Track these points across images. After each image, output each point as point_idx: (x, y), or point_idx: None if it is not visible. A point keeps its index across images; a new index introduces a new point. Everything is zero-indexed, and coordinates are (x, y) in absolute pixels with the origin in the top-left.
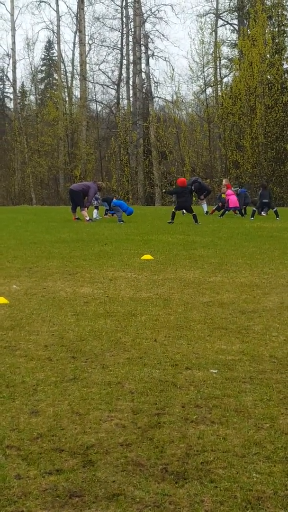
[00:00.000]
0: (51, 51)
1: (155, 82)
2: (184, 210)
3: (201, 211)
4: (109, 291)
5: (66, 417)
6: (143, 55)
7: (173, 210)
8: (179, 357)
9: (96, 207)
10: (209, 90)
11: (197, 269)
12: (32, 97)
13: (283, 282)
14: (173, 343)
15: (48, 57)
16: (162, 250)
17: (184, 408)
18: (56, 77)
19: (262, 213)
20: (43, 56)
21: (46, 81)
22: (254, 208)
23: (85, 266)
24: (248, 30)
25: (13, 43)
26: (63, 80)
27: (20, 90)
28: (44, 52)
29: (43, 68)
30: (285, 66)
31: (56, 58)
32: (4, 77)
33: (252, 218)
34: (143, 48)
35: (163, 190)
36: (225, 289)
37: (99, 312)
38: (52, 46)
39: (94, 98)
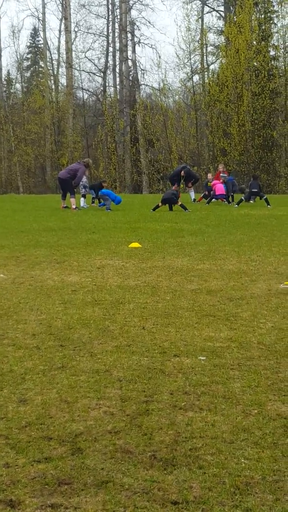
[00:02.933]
0: (37, 39)
1: (141, 69)
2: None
3: (188, 199)
4: (97, 279)
5: (55, 405)
6: (129, 43)
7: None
8: (167, 345)
9: (83, 195)
10: (196, 78)
11: (185, 256)
12: (18, 85)
13: (271, 269)
14: (161, 331)
15: (33, 45)
16: (150, 238)
17: (172, 395)
18: (42, 65)
19: (250, 200)
20: (28, 44)
21: (32, 68)
22: (242, 197)
23: (73, 254)
24: (235, 17)
25: None
26: (49, 68)
27: (6, 78)
28: (29, 39)
29: (28, 56)
30: (271, 53)
31: (42, 45)
32: None
33: (237, 206)
34: (129, 35)
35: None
36: (213, 277)
37: (87, 300)
38: (38, 33)
39: (81, 86)
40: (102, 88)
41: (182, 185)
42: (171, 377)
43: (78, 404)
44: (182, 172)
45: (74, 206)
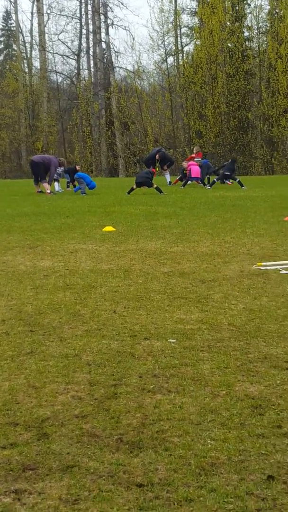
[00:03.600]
0: (10, 21)
1: (115, 51)
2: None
3: (164, 182)
4: (69, 263)
5: (22, 391)
6: (102, 25)
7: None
8: (138, 328)
9: (56, 180)
10: (170, 60)
11: (159, 239)
12: None
13: (244, 250)
14: (132, 314)
15: (6, 28)
16: (124, 222)
17: (141, 378)
18: (15, 48)
19: (226, 181)
20: (1, 27)
21: (5, 52)
22: (215, 179)
23: (46, 239)
24: None
25: None
26: (22, 51)
27: None
28: (2, 22)
29: (1, 39)
30: (245, 34)
31: (15, 28)
32: None
33: (210, 187)
34: (102, 17)
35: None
36: (186, 259)
37: (58, 285)
38: (10, 16)
39: (54, 69)
40: (76, 71)
41: (157, 168)
42: (141, 360)
43: (46, 389)
44: (157, 155)
45: (48, 191)
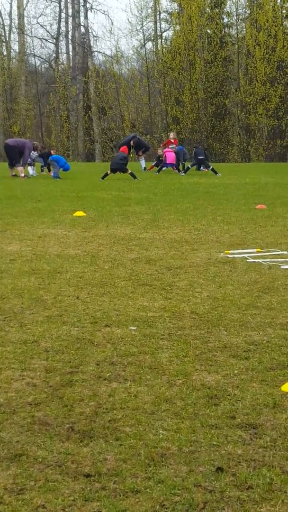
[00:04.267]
0: None
1: (94, 36)
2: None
3: (139, 168)
4: (37, 248)
5: None
6: (81, 8)
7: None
8: (100, 315)
9: (30, 164)
10: (149, 45)
11: (129, 225)
12: None
13: (213, 238)
14: (95, 300)
15: None
16: (96, 207)
17: (98, 365)
18: None
19: (201, 168)
20: None
21: None
22: (189, 165)
23: (16, 223)
24: None
25: None
26: (1, 34)
27: None
28: None
29: None
30: (225, 20)
31: None
32: None
33: (184, 173)
34: (81, 1)
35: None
36: (155, 246)
37: (23, 270)
38: None
39: (33, 52)
40: (54, 54)
41: (132, 154)
42: (100, 348)
43: (1, 375)
44: (132, 142)
45: (22, 175)
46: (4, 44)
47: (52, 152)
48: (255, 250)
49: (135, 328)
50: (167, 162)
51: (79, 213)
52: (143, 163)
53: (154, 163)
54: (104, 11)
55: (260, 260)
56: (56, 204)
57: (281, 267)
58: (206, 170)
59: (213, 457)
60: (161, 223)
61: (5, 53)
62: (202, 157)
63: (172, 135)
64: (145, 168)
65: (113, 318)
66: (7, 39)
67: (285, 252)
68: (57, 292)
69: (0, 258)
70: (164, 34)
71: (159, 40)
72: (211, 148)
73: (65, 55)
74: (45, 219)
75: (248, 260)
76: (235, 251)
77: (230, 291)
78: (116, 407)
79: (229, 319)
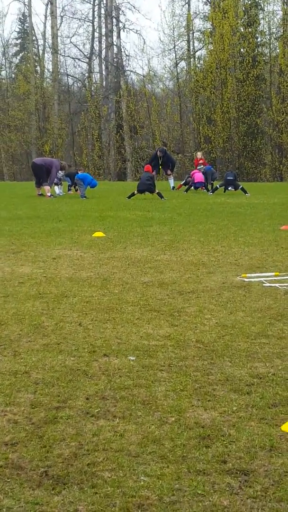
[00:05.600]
0: (26, 25)
1: (126, 55)
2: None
3: (167, 187)
4: (49, 270)
5: None
6: (114, 28)
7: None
8: (100, 343)
9: (57, 183)
10: (182, 64)
11: (147, 246)
12: (3, 72)
13: (232, 260)
14: (98, 327)
15: (23, 30)
16: (116, 227)
17: (88, 400)
18: (28, 51)
19: (229, 188)
20: (18, 30)
21: (21, 54)
22: (218, 185)
23: (32, 244)
24: (221, 2)
25: None
26: (34, 54)
27: None
28: (19, 25)
29: (18, 41)
30: (258, 39)
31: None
32: None
33: (211, 193)
34: (114, 20)
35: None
36: (170, 268)
37: (30, 293)
38: (27, 19)
39: (66, 71)
40: (87, 74)
41: (160, 172)
42: (93, 380)
43: None
44: (159, 152)
45: (49, 194)
46: (37, 63)
47: (79, 171)
48: (273, 273)
49: (134, 358)
50: (195, 181)
51: (99, 234)
52: (172, 182)
53: (183, 182)
54: (136, 31)
55: (277, 285)
56: (77, 224)
57: None
58: (234, 190)
59: (196, 508)
60: (181, 245)
61: (38, 71)
62: (230, 178)
63: (199, 154)
64: (173, 187)
65: (113, 347)
66: (41, 59)
67: None
68: (60, 318)
69: (9, 281)
70: (198, 53)
71: (192, 59)
72: (242, 167)
73: (98, 74)
74: (62, 240)
75: (264, 285)
76: (253, 275)
77: (241, 318)
78: (98, 448)
79: (236, 349)
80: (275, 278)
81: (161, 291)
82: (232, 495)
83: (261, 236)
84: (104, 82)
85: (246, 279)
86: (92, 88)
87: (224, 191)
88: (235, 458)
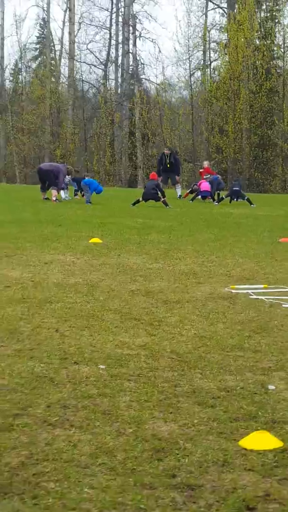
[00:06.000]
0: (46, 30)
1: (142, 63)
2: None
3: (174, 195)
4: (38, 275)
5: None
6: (130, 36)
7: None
8: (73, 350)
9: (63, 188)
10: (198, 74)
11: (142, 254)
12: (20, 76)
13: (224, 271)
14: (75, 334)
15: (43, 35)
16: (115, 234)
17: (49, 408)
18: (46, 56)
19: (234, 199)
20: (38, 34)
21: (40, 59)
22: (223, 196)
23: (27, 248)
24: (237, 15)
25: (2, 19)
26: (51, 59)
27: (13, 67)
28: (39, 30)
29: (37, 46)
30: (274, 52)
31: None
32: None
33: (217, 203)
34: (131, 28)
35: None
36: (160, 277)
37: (14, 298)
38: (46, 24)
39: (81, 77)
40: (102, 80)
41: (168, 181)
42: (58, 388)
43: None
44: (166, 150)
45: (54, 198)
46: (54, 68)
47: (86, 176)
48: (262, 286)
49: (104, 367)
50: (202, 190)
51: (95, 240)
52: (179, 190)
53: (189, 190)
54: (152, 39)
55: (263, 297)
56: (76, 230)
57: (283, 305)
58: (239, 200)
59: None
60: (176, 254)
61: (55, 76)
62: (236, 189)
63: (206, 163)
64: (180, 196)
65: (85, 354)
66: (57, 64)
67: None
68: (38, 324)
69: None
70: (213, 64)
71: (207, 70)
72: (252, 178)
73: (113, 81)
74: (58, 245)
75: (250, 297)
76: (241, 286)
77: (220, 329)
78: (48, 458)
79: (209, 361)
80: (263, 290)
81: (146, 300)
82: (175, 510)
83: (258, 247)
84: (119, 89)
85: (233, 291)
86: (107, 95)
87: (230, 202)
88: (185, 472)
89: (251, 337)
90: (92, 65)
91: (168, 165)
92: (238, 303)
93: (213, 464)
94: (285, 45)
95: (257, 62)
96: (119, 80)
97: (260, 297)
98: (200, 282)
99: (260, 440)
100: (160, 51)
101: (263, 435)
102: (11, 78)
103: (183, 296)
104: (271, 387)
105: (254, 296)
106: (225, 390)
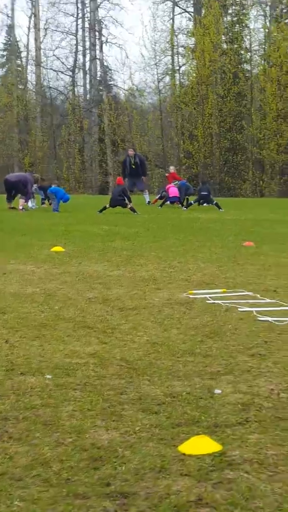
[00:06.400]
0: (11, 36)
1: (109, 69)
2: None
3: (143, 201)
4: None
5: None
6: (97, 42)
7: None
8: (21, 361)
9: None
10: (166, 79)
11: (104, 262)
12: None
13: (184, 276)
14: (25, 344)
15: (9, 42)
16: (78, 242)
17: None
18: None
19: (204, 204)
20: (4, 41)
21: (6, 66)
22: (192, 201)
23: None
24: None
25: None
26: (18, 66)
27: None
28: (5, 37)
29: (3, 53)
30: (242, 55)
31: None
32: None
33: (185, 209)
34: (97, 34)
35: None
36: (119, 284)
37: None
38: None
39: (48, 84)
40: (70, 87)
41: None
42: (1, 400)
43: None
44: (129, 151)
45: (21, 207)
46: (20, 76)
47: (52, 184)
48: (220, 290)
49: (50, 376)
50: (170, 195)
51: (57, 248)
52: (147, 197)
53: (158, 196)
54: (119, 45)
55: (220, 301)
56: (40, 238)
57: (239, 309)
58: (207, 205)
59: None
60: (138, 260)
61: (21, 85)
62: (204, 193)
63: (172, 168)
64: (149, 202)
65: (33, 365)
66: (24, 71)
67: (250, 293)
68: None
69: None
70: (182, 69)
71: (176, 75)
72: (223, 182)
73: (81, 87)
74: (19, 254)
75: (208, 301)
76: (200, 291)
77: (173, 335)
78: None
79: (158, 367)
80: (221, 295)
81: (102, 307)
82: None
83: (221, 252)
84: (87, 95)
85: (191, 296)
86: (75, 101)
87: (198, 205)
88: (121, 480)
89: (203, 341)
90: (59, 71)
91: (133, 166)
92: (195, 309)
93: (150, 470)
94: (252, 48)
95: (224, 66)
96: (88, 86)
97: (217, 301)
98: (159, 288)
99: (199, 445)
100: (127, 57)
101: (202, 439)
102: None
103: (140, 302)
104: (217, 391)
105: (212, 301)
106: (171, 396)
